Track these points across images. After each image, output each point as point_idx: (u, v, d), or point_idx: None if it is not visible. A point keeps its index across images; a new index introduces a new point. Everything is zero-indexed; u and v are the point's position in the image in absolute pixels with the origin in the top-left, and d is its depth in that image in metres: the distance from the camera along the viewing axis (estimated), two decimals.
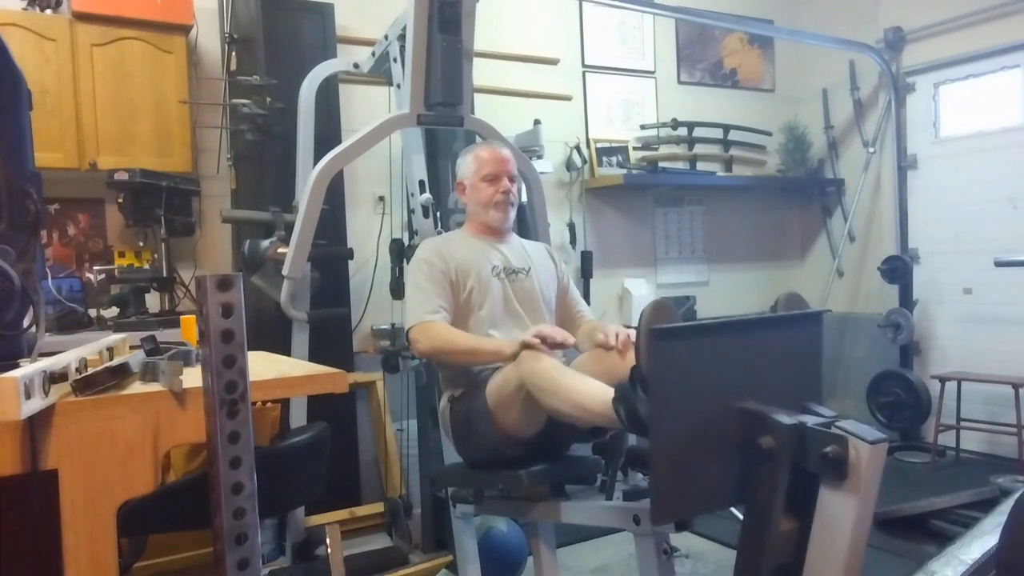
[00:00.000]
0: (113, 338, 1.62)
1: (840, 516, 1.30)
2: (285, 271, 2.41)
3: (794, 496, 1.35)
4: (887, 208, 4.72)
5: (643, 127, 4.58)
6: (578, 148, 4.26)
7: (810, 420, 1.35)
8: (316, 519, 2.92)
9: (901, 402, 4.33)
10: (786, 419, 1.33)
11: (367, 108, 3.41)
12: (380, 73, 2.90)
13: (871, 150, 4.71)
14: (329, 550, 2.07)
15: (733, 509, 2.21)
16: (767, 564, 1.35)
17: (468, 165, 2.29)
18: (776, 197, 5.15)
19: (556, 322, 2.31)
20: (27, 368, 1.02)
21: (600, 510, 1.85)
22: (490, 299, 2.16)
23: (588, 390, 1.73)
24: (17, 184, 1.27)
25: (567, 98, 4.29)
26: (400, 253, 2.68)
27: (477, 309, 2.16)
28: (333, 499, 2.96)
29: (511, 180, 2.28)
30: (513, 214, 2.33)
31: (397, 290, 2.61)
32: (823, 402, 1.50)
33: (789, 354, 1.54)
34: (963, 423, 4.03)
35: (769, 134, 5.00)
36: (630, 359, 1.57)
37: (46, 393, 1.05)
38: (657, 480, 1.39)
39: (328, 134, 3.12)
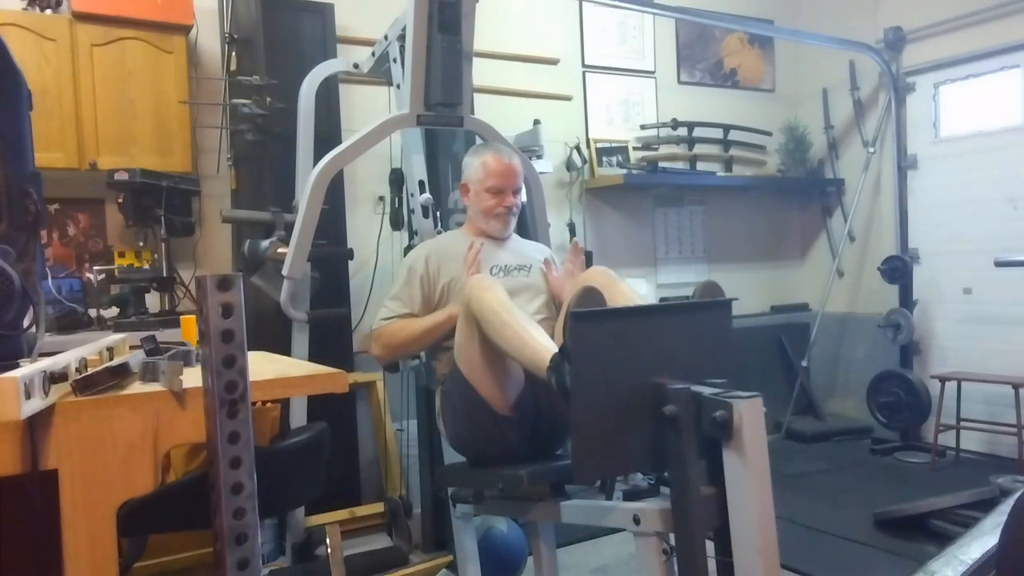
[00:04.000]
0: (113, 338, 1.62)
1: (740, 475, 1.43)
2: (285, 271, 2.41)
3: (711, 465, 1.50)
4: (887, 208, 4.72)
5: (643, 127, 4.58)
6: (578, 148, 4.26)
7: (704, 389, 1.50)
8: (316, 519, 2.92)
9: (901, 402, 4.33)
10: (682, 388, 1.50)
11: (367, 108, 3.41)
12: (380, 73, 2.90)
13: (871, 150, 4.71)
14: (329, 550, 2.07)
15: None
16: (698, 528, 1.47)
17: (475, 171, 2.28)
18: (776, 197, 5.15)
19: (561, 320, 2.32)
20: (27, 368, 1.03)
21: (600, 510, 1.85)
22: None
23: (533, 344, 1.76)
24: (17, 184, 1.27)
25: (567, 98, 4.29)
26: (400, 183, 2.75)
27: None
28: (333, 499, 2.96)
29: (515, 194, 2.28)
30: (514, 223, 2.33)
31: (396, 221, 2.89)
32: (733, 381, 1.63)
33: (700, 337, 1.70)
34: (963, 423, 4.03)
35: (769, 134, 5.00)
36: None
37: (46, 393, 1.05)
38: (577, 444, 1.55)
39: (328, 134, 3.12)
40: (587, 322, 1.54)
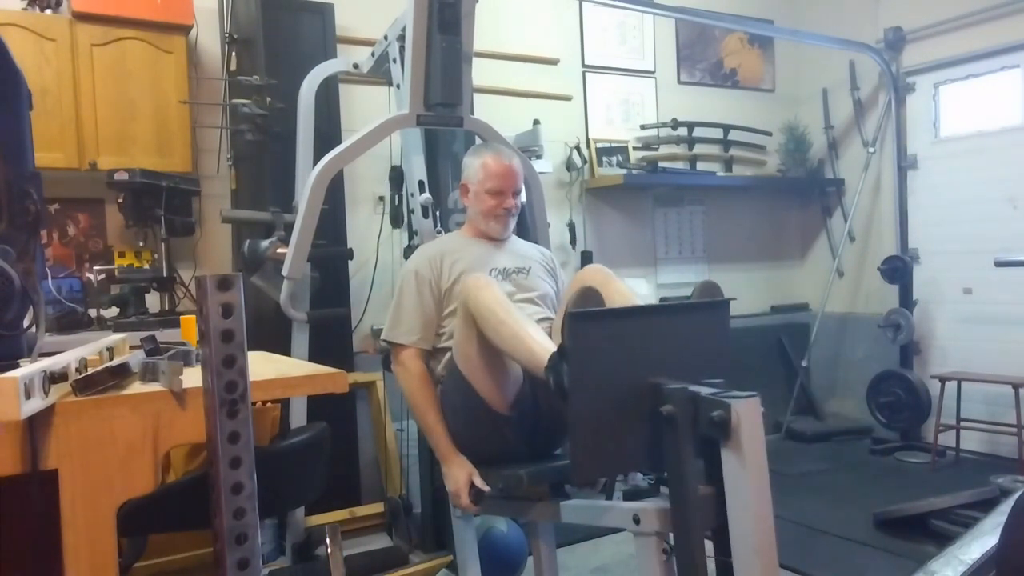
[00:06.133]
0: (113, 338, 1.62)
1: (738, 475, 1.43)
2: (285, 271, 2.41)
3: (709, 465, 1.50)
4: (887, 208, 4.72)
5: (643, 127, 4.58)
6: (578, 148, 4.26)
7: (702, 389, 1.49)
8: (316, 519, 2.92)
9: (901, 402, 4.33)
10: (680, 388, 1.50)
11: (367, 108, 3.41)
12: (380, 73, 2.90)
13: (871, 150, 4.71)
14: (329, 550, 2.07)
15: None
16: (696, 528, 1.47)
17: (475, 171, 2.26)
18: (776, 197, 5.15)
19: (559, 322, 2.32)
20: (27, 368, 1.03)
21: (600, 510, 1.85)
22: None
23: (530, 344, 1.75)
24: (17, 184, 1.27)
25: (567, 98, 4.29)
26: (400, 180, 2.78)
27: None
28: (333, 499, 2.96)
29: (515, 195, 2.27)
30: (513, 224, 2.33)
31: (396, 218, 2.98)
32: (733, 381, 1.63)
33: (698, 337, 1.70)
34: (963, 423, 4.03)
35: (769, 134, 5.00)
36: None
37: (46, 393, 1.05)
38: (575, 444, 1.55)
39: (328, 134, 3.12)
40: (585, 322, 1.54)
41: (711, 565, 1.50)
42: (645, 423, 1.55)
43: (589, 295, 1.63)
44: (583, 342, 1.53)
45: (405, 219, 2.92)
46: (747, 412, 1.41)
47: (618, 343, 1.56)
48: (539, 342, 1.75)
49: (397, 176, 2.79)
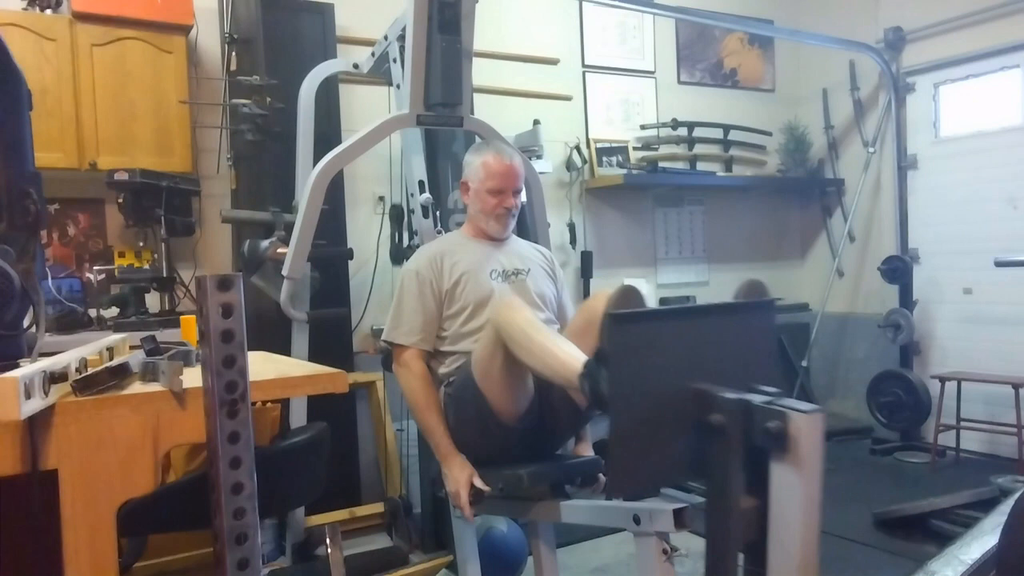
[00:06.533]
0: (113, 338, 1.62)
1: (789, 489, 1.34)
2: (285, 271, 2.41)
3: (752, 475, 1.40)
4: (887, 208, 4.72)
5: (643, 127, 4.58)
6: (578, 148, 4.26)
7: (755, 398, 1.40)
8: (316, 519, 2.92)
9: (901, 402, 4.33)
10: (732, 396, 1.39)
11: (367, 108, 3.41)
12: (380, 73, 2.90)
13: (871, 150, 4.71)
14: (329, 550, 2.07)
15: None
16: (734, 541, 1.39)
17: (476, 170, 2.26)
18: (776, 197, 5.15)
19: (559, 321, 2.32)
20: (27, 368, 1.03)
21: (600, 510, 1.85)
22: (491, 304, 2.15)
23: (561, 356, 1.72)
24: (17, 184, 1.27)
25: (567, 98, 4.29)
26: (400, 218, 2.75)
27: (474, 315, 2.16)
28: (333, 499, 2.96)
29: (516, 194, 2.27)
30: (513, 223, 2.33)
31: (397, 256, 2.91)
32: (778, 385, 1.54)
33: (743, 339, 1.60)
34: (963, 423, 4.03)
35: (769, 134, 5.00)
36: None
37: (46, 393, 1.05)
38: (615, 454, 1.46)
39: (328, 134, 3.12)
40: (626, 324, 1.46)
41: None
42: (688, 432, 1.44)
43: (630, 294, 1.55)
44: (624, 345, 1.44)
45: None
46: (809, 426, 1.30)
47: (660, 346, 1.47)
48: (569, 352, 1.71)
49: (397, 214, 2.74)
